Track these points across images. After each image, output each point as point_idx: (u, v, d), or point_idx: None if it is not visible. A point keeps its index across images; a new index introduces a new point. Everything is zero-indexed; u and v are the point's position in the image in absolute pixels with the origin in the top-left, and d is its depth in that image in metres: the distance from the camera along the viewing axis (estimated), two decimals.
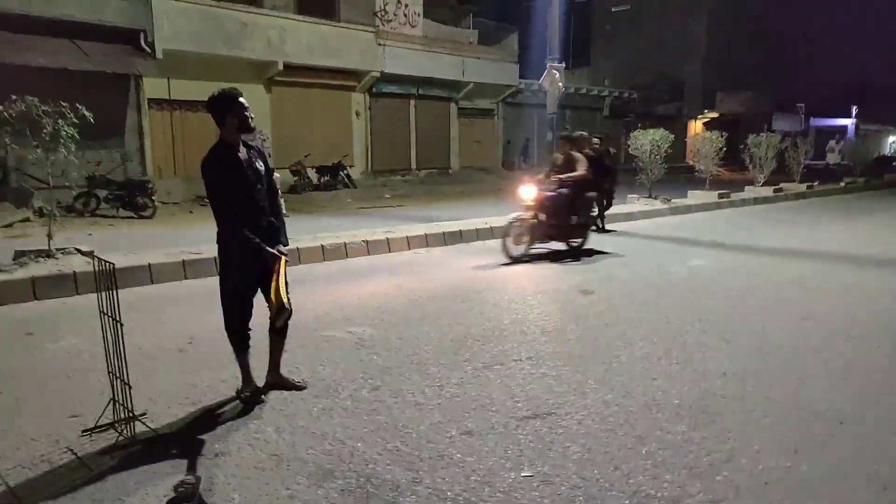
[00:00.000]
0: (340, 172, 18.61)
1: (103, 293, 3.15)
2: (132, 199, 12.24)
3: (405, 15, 21.52)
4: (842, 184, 21.07)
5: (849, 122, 47.15)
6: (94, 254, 3.27)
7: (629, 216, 11.49)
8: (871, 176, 23.93)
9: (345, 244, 8.24)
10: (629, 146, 13.97)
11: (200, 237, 8.02)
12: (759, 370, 4.10)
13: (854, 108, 47.60)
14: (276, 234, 3.60)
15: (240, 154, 3.43)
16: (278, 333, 3.71)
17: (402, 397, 3.66)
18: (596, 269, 7.56)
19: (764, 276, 7.19)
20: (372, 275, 7.27)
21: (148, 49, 14.77)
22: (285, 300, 3.48)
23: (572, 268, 7.73)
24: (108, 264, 3.13)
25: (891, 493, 2.66)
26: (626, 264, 7.83)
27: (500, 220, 10.60)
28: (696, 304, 5.84)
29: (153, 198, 12.48)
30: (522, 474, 2.81)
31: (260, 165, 3.53)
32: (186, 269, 6.91)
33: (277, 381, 3.75)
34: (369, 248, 8.44)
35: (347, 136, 20.80)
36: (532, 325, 5.14)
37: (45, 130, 6.36)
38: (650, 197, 13.67)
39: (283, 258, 3.51)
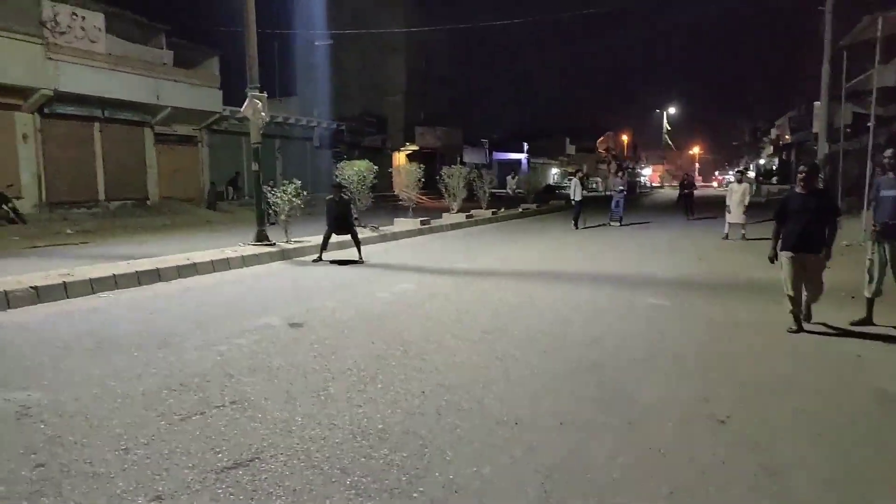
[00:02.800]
0: (3, 205, 15.68)
1: None
2: None
3: (82, 28, 19.13)
4: (519, 209, 24.51)
5: (522, 157, 55.58)
6: None
7: (340, 245, 11.73)
8: (541, 202, 28.32)
9: (5, 292, 6.88)
10: (336, 177, 14.34)
11: None
12: (452, 384, 4.48)
13: (525, 144, 56.41)
14: None
15: None
16: None
17: (76, 469, 3.15)
18: (304, 301, 7.53)
19: (455, 294, 7.93)
20: (42, 326, 6.19)
21: None
22: None
23: (280, 300, 7.59)
24: None
25: (550, 482, 3.10)
26: (335, 293, 7.96)
27: (205, 256, 9.97)
28: (399, 328, 6.17)
29: None
30: None
31: None
32: None
33: None
34: (40, 294, 7.19)
35: (12, 162, 17.67)
36: (238, 365, 4.88)
37: None
38: (360, 226, 14.18)
39: None
